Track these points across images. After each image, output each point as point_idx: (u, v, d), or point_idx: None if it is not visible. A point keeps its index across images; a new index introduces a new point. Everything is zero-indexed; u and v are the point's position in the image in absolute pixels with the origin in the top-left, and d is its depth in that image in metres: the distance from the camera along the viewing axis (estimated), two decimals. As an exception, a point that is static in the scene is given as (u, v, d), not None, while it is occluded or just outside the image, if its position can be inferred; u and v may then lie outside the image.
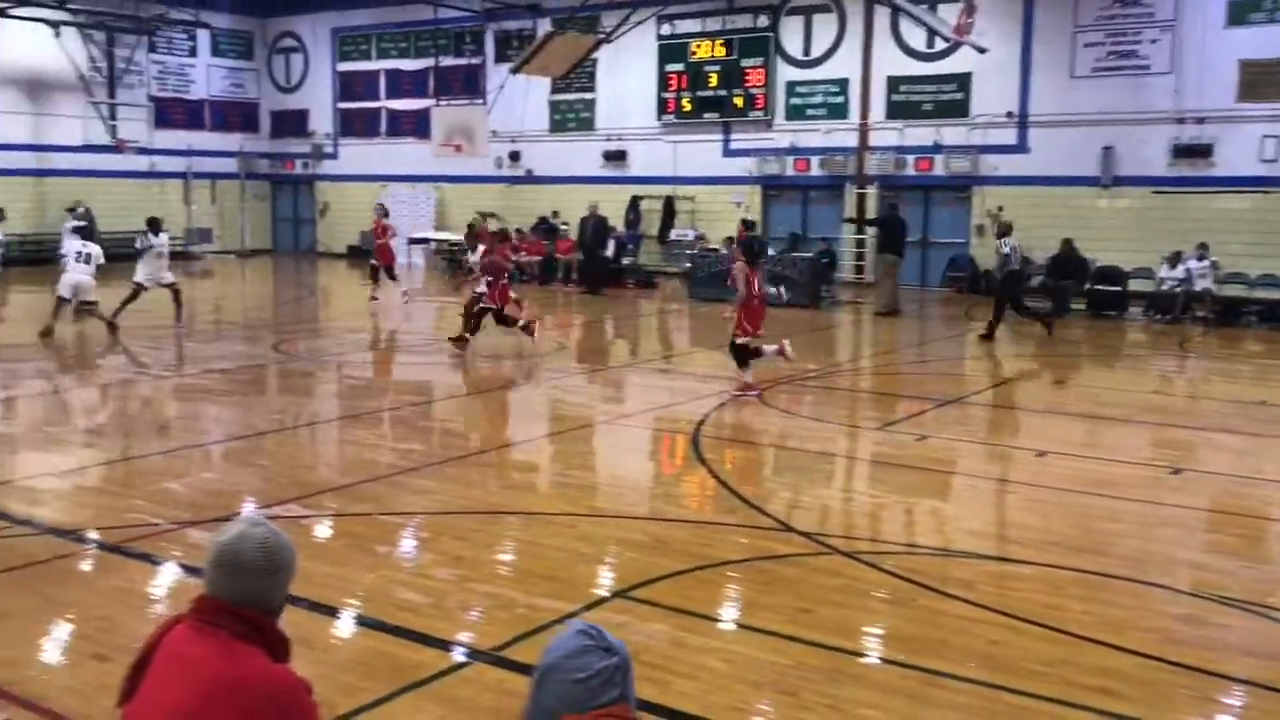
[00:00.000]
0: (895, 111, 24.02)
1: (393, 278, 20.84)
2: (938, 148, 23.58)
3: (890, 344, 16.96)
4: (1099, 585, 6.22)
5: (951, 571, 6.43)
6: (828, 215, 25.16)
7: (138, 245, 17.08)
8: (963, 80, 23.13)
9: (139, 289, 16.67)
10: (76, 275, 15.56)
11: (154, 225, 17.12)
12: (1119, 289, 20.61)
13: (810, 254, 21.94)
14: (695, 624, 5.60)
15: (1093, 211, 21.83)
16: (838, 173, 24.63)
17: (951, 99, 23.37)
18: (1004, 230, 17.06)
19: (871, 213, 23.52)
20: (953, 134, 23.37)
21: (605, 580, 6.32)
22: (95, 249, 15.99)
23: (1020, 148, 22.76)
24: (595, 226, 23.65)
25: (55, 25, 27.38)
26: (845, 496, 8.51)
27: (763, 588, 6.13)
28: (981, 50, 20.80)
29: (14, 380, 12.73)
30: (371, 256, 21.26)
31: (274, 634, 2.52)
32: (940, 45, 22.72)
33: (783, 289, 20.50)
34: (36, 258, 27.77)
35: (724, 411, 11.05)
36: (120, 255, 19.37)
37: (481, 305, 14.52)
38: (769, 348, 11.96)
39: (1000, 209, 21.18)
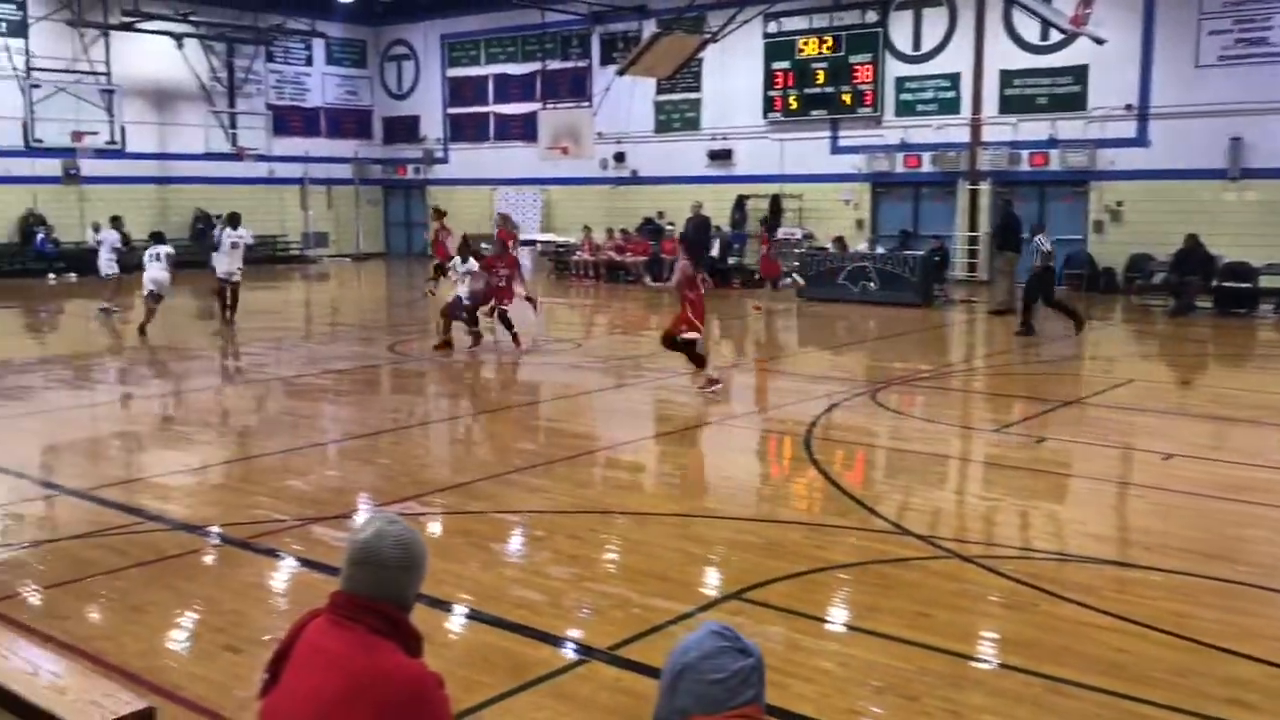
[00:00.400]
0: (1009, 106, 23.51)
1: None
2: (1053, 142, 23.01)
3: (1005, 344, 16.59)
4: (1230, 592, 6.00)
5: (1072, 576, 6.26)
6: (940, 212, 24.75)
7: (216, 238, 18.09)
8: (1079, 72, 22.52)
9: (224, 285, 17.82)
10: (154, 273, 16.84)
11: (234, 220, 18.04)
12: (1248, 285, 19.81)
13: (922, 252, 21.60)
14: (811, 626, 5.56)
15: (1219, 205, 21.04)
16: (950, 169, 24.21)
17: (1067, 92, 22.76)
18: (1038, 230, 17.27)
19: (983, 211, 23.06)
20: (1069, 128, 22.78)
21: (719, 581, 6.31)
22: (167, 248, 17.30)
23: (1140, 141, 22.06)
24: (698, 226, 23.63)
25: (179, 38, 28.44)
26: (960, 499, 8.35)
27: (879, 591, 6.06)
28: (1100, 41, 20.24)
29: (140, 381, 13.26)
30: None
31: (408, 629, 2.57)
32: (1056, 37, 22.19)
33: (870, 284, 20.33)
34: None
35: (835, 413, 10.94)
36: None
37: (495, 306, 15.05)
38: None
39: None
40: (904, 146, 24.91)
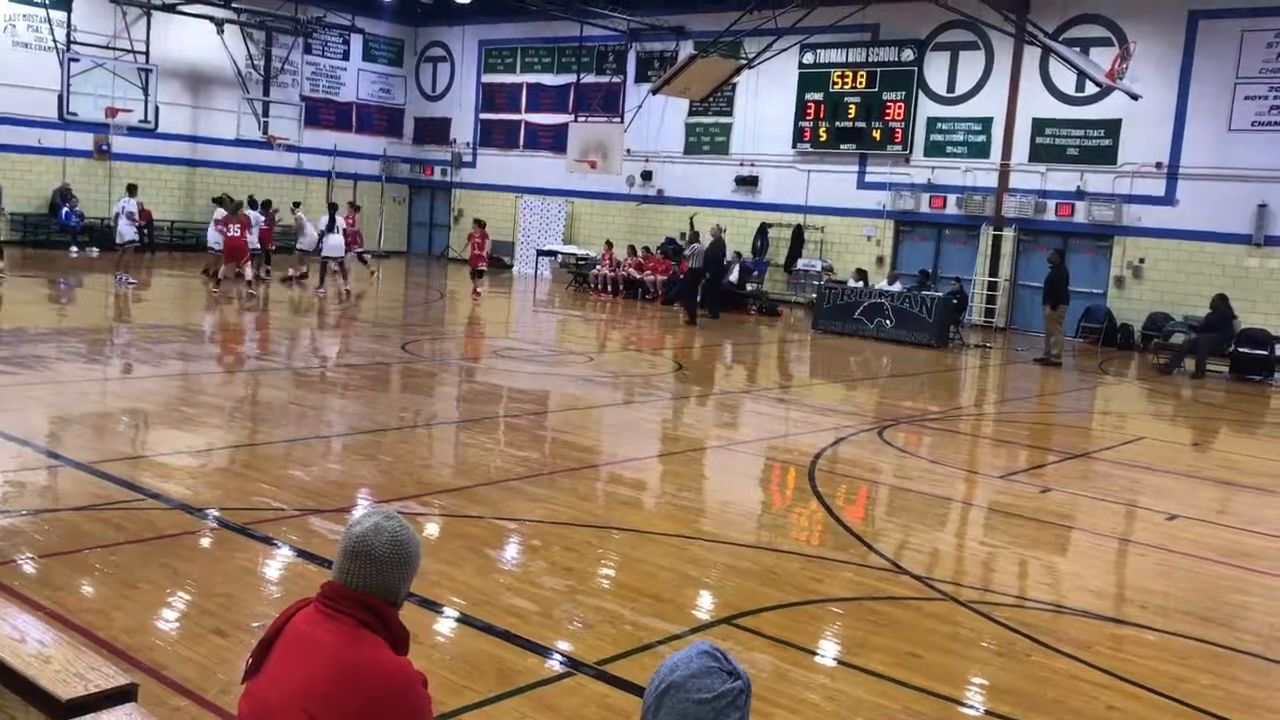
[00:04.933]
0: (1039, 154, 23.49)
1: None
2: (1080, 194, 22.98)
3: (1018, 391, 16.54)
4: (1227, 659, 5.94)
5: (1067, 630, 6.22)
6: (961, 255, 24.73)
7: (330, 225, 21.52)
8: (1111, 126, 22.50)
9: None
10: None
11: (130, 190, 21.61)
12: (1265, 353, 19.70)
13: (940, 293, 21.58)
14: (800, 658, 5.52)
15: (1241, 271, 20.98)
16: (975, 212, 24.19)
17: (1098, 144, 22.74)
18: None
19: (1005, 258, 22.98)
20: (1097, 181, 22.75)
21: (712, 605, 6.28)
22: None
23: (1168, 199, 22.01)
24: (715, 249, 23.63)
25: (220, 23, 28.64)
26: (959, 542, 8.31)
27: (871, 627, 6.02)
28: (1135, 97, 20.21)
29: (156, 360, 13.30)
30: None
31: (396, 626, 2.57)
32: (1091, 89, 22.18)
33: (886, 320, 20.33)
34: (183, 244, 29.10)
35: (841, 446, 10.91)
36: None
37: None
38: None
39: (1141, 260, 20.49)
40: (930, 187, 24.92)
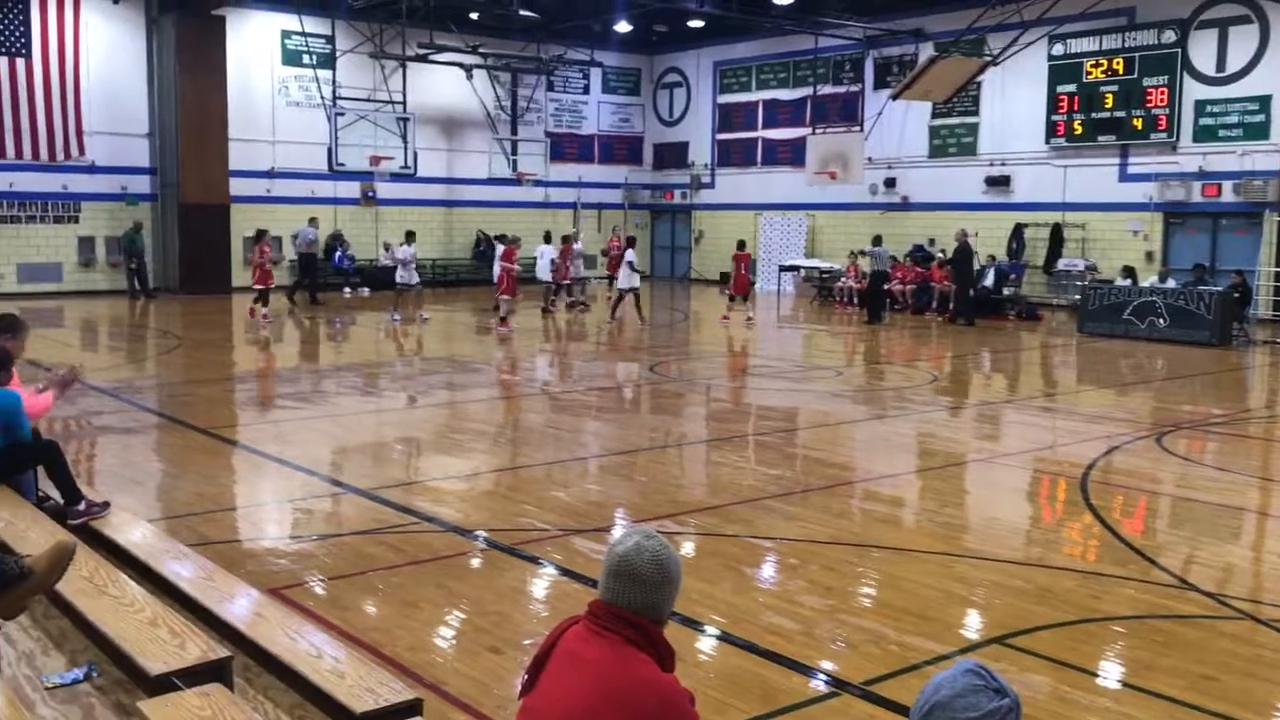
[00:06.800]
0: (1325, 131, 21.47)
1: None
2: (1377, 170, 20.85)
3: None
4: None
5: (1393, 653, 5.59)
6: (1241, 245, 22.90)
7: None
8: None
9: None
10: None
11: (408, 237, 22.67)
12: None
13: (1219, 287, 20.03)
14: (1080, 679, 5.21)
15: None
16: (1255, 199, 22.34)
17: (1397, 115, 20.56)
18: None
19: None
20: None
21: (981, 624, 6.02)
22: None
23: None
24: (960, 253, 22.87)
25: (468, 69, 30.18)
26: (1256, 556, 7.63)
27: (1158, 648, 5.61)
28: None
29: (423, 389, 14.08)
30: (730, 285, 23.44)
31: (662, 644, 2.59)
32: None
33: (1159, 320, 19.09)
34: (444, 280, 30.76)
35: (1115, 456, 10.27)
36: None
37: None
38: None
39: None
40: (1202, 174, 23.21)
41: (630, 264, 22.71)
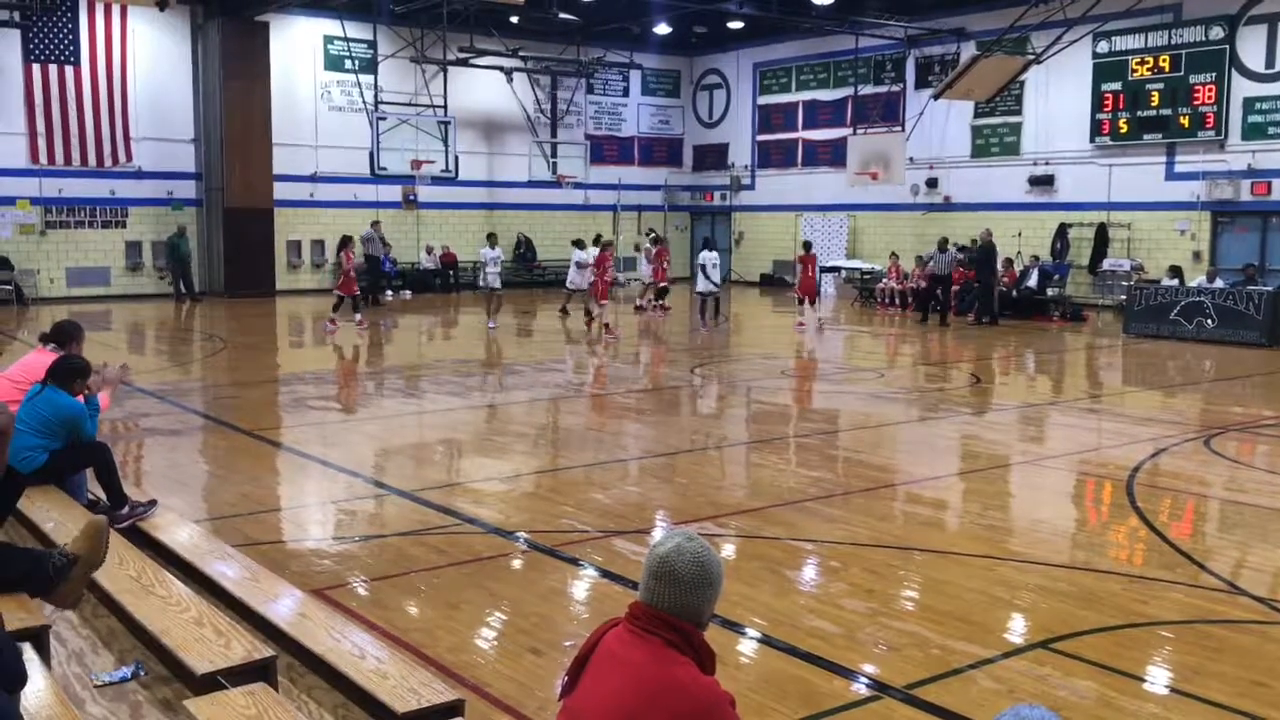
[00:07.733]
0: (1378, 126, 21.06)
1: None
2: None
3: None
4: None
5: None
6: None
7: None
8: None
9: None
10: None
11: (490, 240, 22.45)
12: None
13: (1270, 287, 19.70)
14: (1127, 685, 5.13)
15: None
16: (1305, 197, 21.96)
17: None
18: None
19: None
20: None
21: (1025, 628, 5.95)
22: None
23: None
24: (982, 252, 22.66)
25: (509, 72, 30.31)
26: (1309, 561, 7.49)
27: (1208, 654, 5.52)
28: None
29: (464, 392, 14.14)
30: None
31: (702, 646, 2.58)
32: None
33: (1208, 320, 18.82)
34: (474, 283, 30.91)
35: (1162, 458, 10.13)
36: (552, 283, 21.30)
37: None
38: None
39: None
40: (1251, 172, 22.84)
41: (703, 267, 22.83)
